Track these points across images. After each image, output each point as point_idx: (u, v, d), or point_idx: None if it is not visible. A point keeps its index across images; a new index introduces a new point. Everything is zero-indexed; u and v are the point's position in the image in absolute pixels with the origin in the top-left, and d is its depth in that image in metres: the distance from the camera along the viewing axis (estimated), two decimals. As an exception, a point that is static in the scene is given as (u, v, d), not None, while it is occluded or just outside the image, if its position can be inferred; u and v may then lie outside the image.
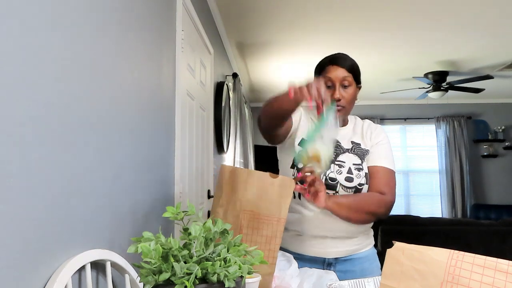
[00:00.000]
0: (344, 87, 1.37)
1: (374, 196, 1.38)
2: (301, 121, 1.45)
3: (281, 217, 1.15)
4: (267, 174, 1.19)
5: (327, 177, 1.38)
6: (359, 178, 1.38)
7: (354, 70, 1.39)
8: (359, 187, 1.38)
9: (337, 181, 1.38)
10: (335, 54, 1.43)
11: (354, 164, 1.40)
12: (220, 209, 1.18)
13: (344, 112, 1.41)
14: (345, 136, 1.45)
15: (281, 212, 1.16)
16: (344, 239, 1.38)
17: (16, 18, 0.78)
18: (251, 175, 1.17)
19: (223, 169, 1.23)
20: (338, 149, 1.42)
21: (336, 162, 1.40)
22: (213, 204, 1.23)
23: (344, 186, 1.38)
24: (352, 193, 1.38)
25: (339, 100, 1.36)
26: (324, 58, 1.43)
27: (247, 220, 1.12)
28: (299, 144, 1.40)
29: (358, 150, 1.43)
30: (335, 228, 1.36)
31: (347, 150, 1.42)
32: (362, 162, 1.41)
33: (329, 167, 1.39)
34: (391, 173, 1.43)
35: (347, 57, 1.42)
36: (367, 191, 1.39)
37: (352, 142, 1.44)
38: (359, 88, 1.45)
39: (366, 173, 1.40)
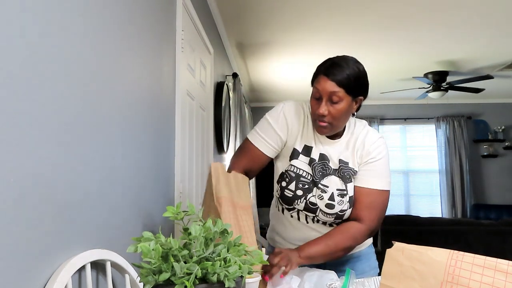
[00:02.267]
0: (333, 102, 1.23)
1: (348, 230, 1.29)
2: (288, 134, 1.36)
3: (244, 204, 1.23)
4: (222, 165, 1.25)
5: (308, 201, 1.33)
6: (341, 205, 1.31)
7: (348, 83, 1.22)
8: (340, 213, 1.32)
9: (317, 207, 1.33)
10: (335, 59, 1.27)
11: (337, 190, 1.31)
12: (207, 207, 1.21)
13: (330, 129, 1.29)
14: (335, 151, 1.34)
15: (242, 200, 1.24)
16: None
17: (16, 19, 0.78)
18: (217, 166, 1.22)
19: (208, 171, 1.28)
20: (325, 169, 1.33)
21: (320, 186, 1.32)
22: (203, 206, 1.25)
23: (324, 212, 1.33)
24: (333, 218, 1.33)
25: (323, 116, 1.24)
26: (323, 63, 1.29)
27: (223, 205, 1.15)
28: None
29: (345, 172, 1.32)
30: None
31: (334, 172, 1.33)
32: (346, 187, 1.32)
33: (312, 190, 1.33)
34: (377, 194, 1.32)
35: (345, 66, 1.23)
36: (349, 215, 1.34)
37: (340, 161, 1.33)
38: (360, 100, 1.30)
39: (350, 197, 1.32)
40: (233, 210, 1.18)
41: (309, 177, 1.34)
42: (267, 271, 1.13)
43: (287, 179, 1.34)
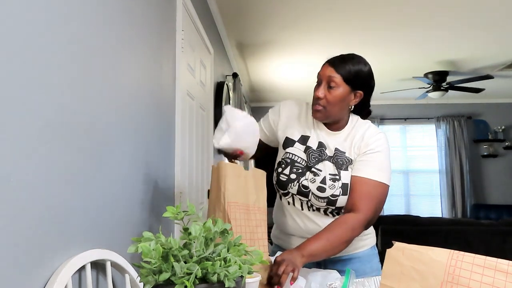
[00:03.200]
0: (330, 87, 1.30)
1: (346, 222, 1.28)
2: (279, 122, 1.47)
3: (260, 206, 1.21)
4: (238, 166, 1.21)
5: (300, 184, 1.36)
6: (332, 189, 1.32)
7: (347, 73, 1.30)
8: (332, 198, 1.33)
9: (309, 190, 1.35)
10: (345, 55, 1.35)
11: (330, 174, 1.34)
12: (211, 206, 1.19)
13: (324, 114, 1.34)
14: (333, 142, 1.39)
15: (260, 202, 1.21)
16: None
17: (16, 19, 0.78)
18: (228, 167, 1.18)
19: (212, 169, 1.24)
20: (320, 155, 1.37)
21: (313, 169, 1.36)
22: (208, 205, 1.24)
23: (316, 196, 1.34)
24: (325, 204, 1.34)
25: (319, 98, 1.31)
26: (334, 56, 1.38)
27: (233, 211, 1.13)
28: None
29: (339, 159, 1.35)
30: (314, 232, 1.34)
31: (328, 158, 1.36)
32: (339, 173, 1.34)
33: (305, 174, 1.37)
34: (374, 185, 1.31)
35: (350, 61, 1.32)
36: (345, 204, 1.34)
37: (336, 149, 1.37)
38: (359, 94, 1.34)
39: (344, 184, 1.33)
40: (246, 213, 1.15)
41: (303, 163, 1.39)
42: (275, 283, 1.11)
43: (283, 165, 1.41)
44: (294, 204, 1.41)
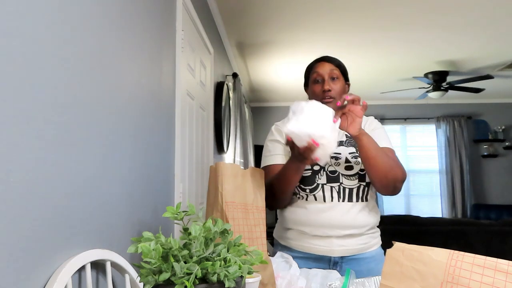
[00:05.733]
0: (333, 79, 1.44)
1: (395, 157, 1.39)
2: (281, 140, 1.51)
3: (259, 205, 1.20)
4: (236, 165, 1.21)
5: (327, 171, 1.40)
6: (358, 165, 1.39)
7: (340, 66, 1.47)
8: (361, 173, 1.39)
9: (337, 173, 1.39)
10: (323, 56, 1.53)
11: (350, 153, 1.42)
12: (209, 207, 1.18)
13: (335, 104, 1.41)
14: (339, 132, 1.45)
15: (258, 201, 1.21)
16: (350, 237, 1.37)
17: (15, 18, 0.78)
18: (225, 167, 1.17)
19: (210, 170, 1.24)
20: None
21: (332, 155, 1.40)
22: (206, 205, 1.24)
23: (347, 175, 1.39)
24: (356, 181, 1.39)
25: (329, 91, 1.41)
26: (314, 60, 1.53)
27: (231, 211, 1.12)
28: None
29: (351, 140, 1.45)
30: (340, 225, 1.36)
31: (341, 143, 1.44)
32: (357, 150, 1.40)
33: (327, 162, 1.40)
34: (392, 151, 1.43)
35: (334, 58, 1.51)
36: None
37: (346, 135, 1.46)
38: (348, 85, 1.51)
39: None
40: (244, 212, 1.15)
41: None
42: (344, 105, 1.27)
43: None
44: (324, 199, 1.38)
